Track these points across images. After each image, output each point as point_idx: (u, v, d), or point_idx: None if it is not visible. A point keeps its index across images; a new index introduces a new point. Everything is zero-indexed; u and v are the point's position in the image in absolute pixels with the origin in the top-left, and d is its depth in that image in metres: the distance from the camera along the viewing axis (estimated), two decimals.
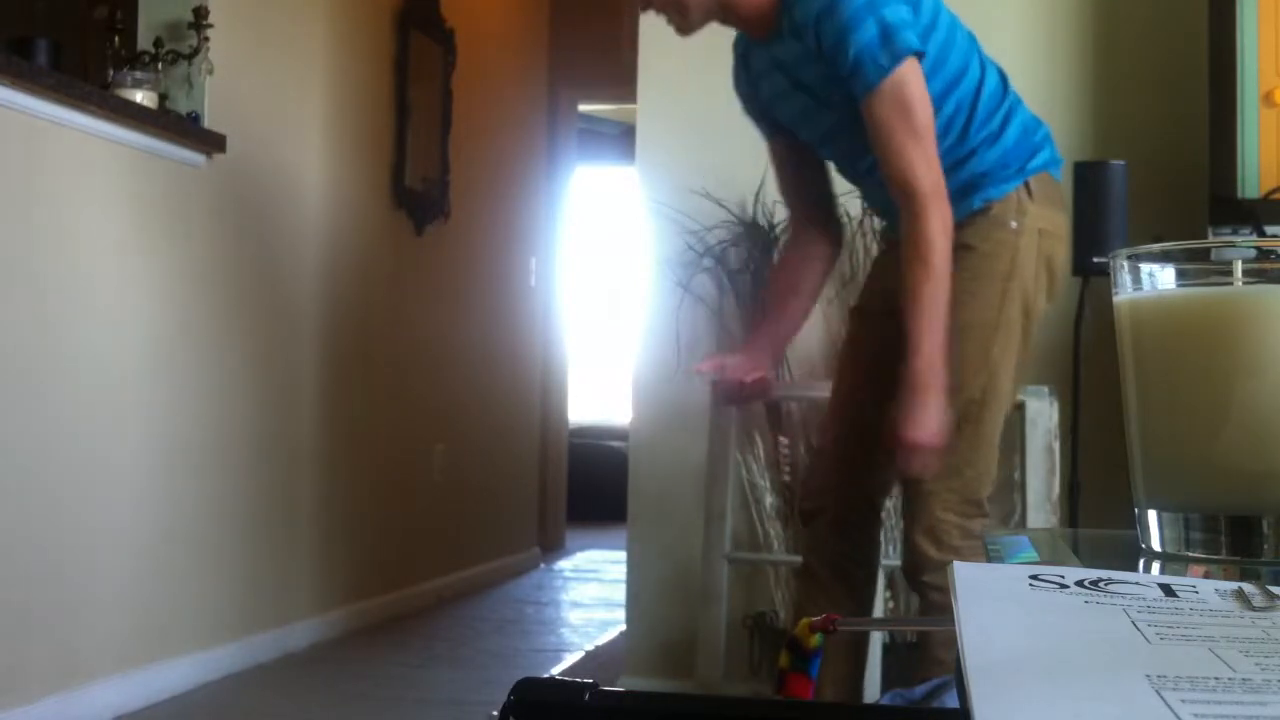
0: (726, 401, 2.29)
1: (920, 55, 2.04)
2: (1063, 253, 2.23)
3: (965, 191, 2.13)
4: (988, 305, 2.12)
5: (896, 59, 2.01)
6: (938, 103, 2.10)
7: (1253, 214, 2.70)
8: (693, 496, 3.16)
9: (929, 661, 2.16)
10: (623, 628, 3.57)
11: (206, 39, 3.42)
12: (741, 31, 2.27)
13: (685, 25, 2.22)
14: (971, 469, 2.12)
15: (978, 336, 2.11)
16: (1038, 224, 2.14)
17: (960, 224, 2.13)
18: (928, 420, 2.02)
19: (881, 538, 2.39)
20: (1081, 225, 2.69)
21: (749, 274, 3.22)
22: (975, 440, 2.11)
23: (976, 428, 2.11)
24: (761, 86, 2.27)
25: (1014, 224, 2.12)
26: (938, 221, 2.03)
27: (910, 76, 2.03)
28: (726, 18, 2.21)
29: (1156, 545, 0.62)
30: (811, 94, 2.17)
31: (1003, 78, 2.19)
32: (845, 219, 2.65)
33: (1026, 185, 2.14)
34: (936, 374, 2.02)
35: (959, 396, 2.10)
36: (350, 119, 4.35)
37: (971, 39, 2.18)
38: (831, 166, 2.39)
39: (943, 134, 2.12)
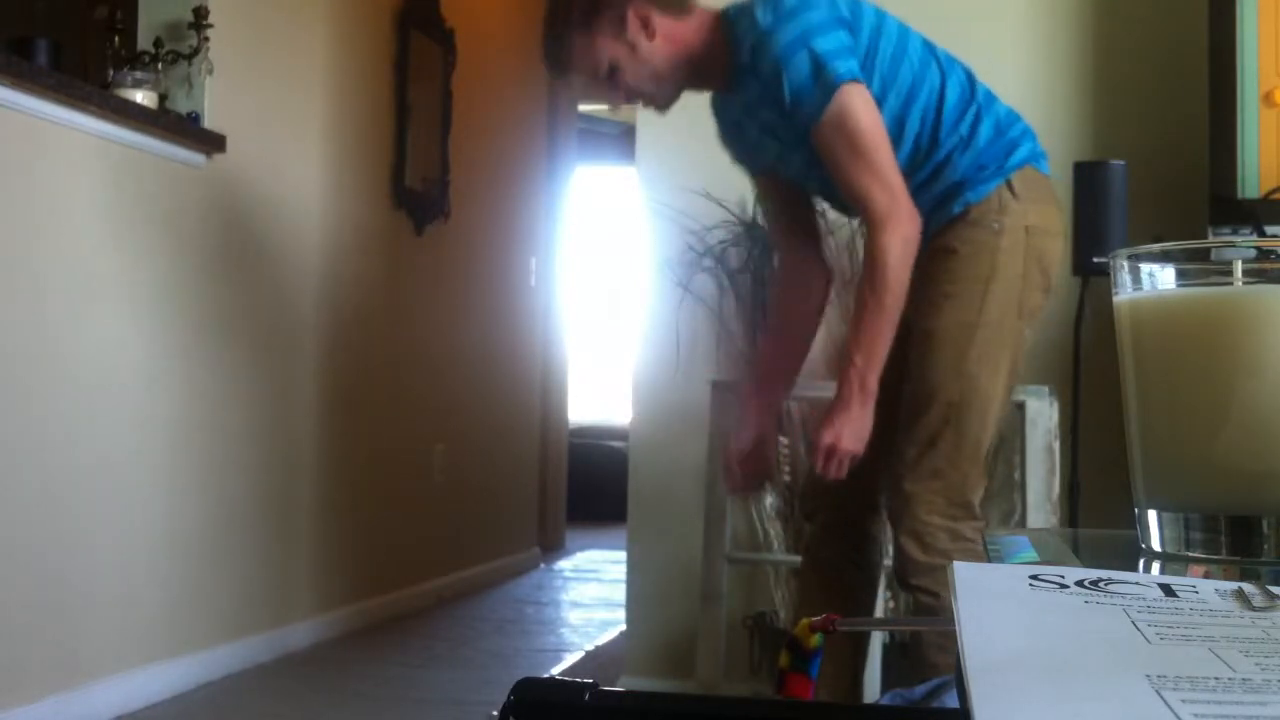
0: (732, 491, 2.35)
1: (855, 81, 2.04)
2: (1056, 247, 2.21)
3: (945, 199, 2.14)
4: (967, 307, 2.11)
5: (829, 90, 2.02)
6: (900, 117, 2.11)
7: (1253, 214, 2.70)
8: (693, 496, 3.15)
9: (923, 665, 2.15)
10: (623, 628, 3.57)
11: (206, 39, 3.42)
12: (706, 90, 2.28)
13: (660, 108, 2.26)
14: (955, 471, 2.11)
15: (955, 339, 2.11)
16: (1024, 221, 2.13)
17: (942, 228, 2.14)
18: (842, 427, 2.09)
19: (881, 538, 2.39)
20: (1081, 225, 2.69)
21: (749, 274, 3.22)
22: (957, 443, 2.11)
23: (957, 430, 2.11)
24: (738, 136, 2.29)
25: (995, 225, 2.12)
26: (894, 240, 2.04)
27: (851, 102, 2.03)
28: (691, 82, 2.23)
29: (1156, 545, 0.62)
30: (775, 135, 2.18)
31: (969, 78, 2.18)
32: (834, 249, 2.68)
33: (1008, 184, 2.12)
34: (864, 388, 2.08)
35: (937, 400, 2.11)
36: (350, 119, 4.35)
37: (927, 46, 2.17)
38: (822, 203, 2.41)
39: (913, 148, 2.12)
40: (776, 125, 2.15)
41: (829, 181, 2.23)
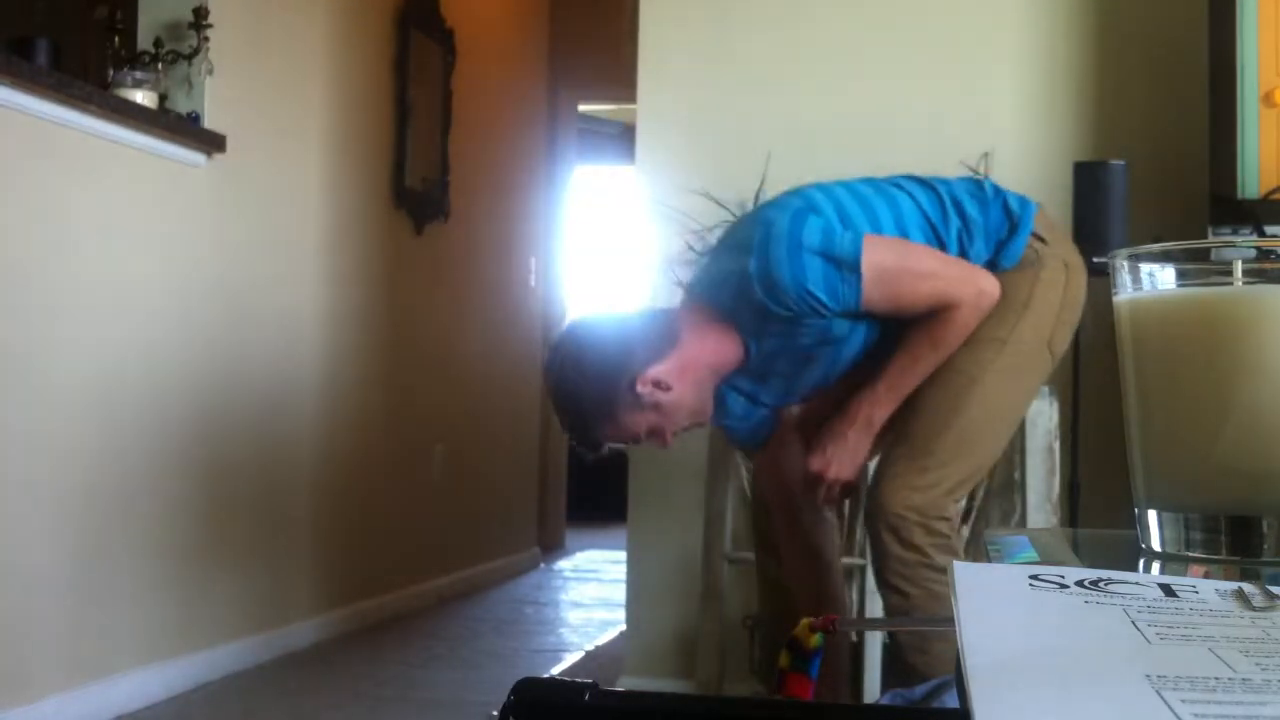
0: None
1: (862, 236, 2.04)
2: (1085, 285, 2.23)
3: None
4: (999, 324, 2.12)
5: (857, 265, 2.02)
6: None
7: (1253, 214, 2.70)
8: (693, 496, 3.15)
9: (903, 668, 2.15)
10: (623, 628, 3.57)
11: (206, 39, 3.42)
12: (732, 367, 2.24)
13: (707, 421, 2.26)
14: (939, 471, 2.11)
15: (981, 347, 2.11)
16: (1062, 257, 2.16)
17: None
18: (834, 455, 2.11)
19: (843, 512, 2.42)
20: (1081, 225, 2.69)
21: None
22: (952, 446, 2.11)
23: (957, 435, 2.12)
24: (764, 396, 2.28)
25: (1035, 263, 2.14)
26: (968, 311, 2.06)
27: (875, 256, 2.03)
28: (718, 381, 2.21)
29: (1156, 545, 0.62)
30: (827, 347, 2.16)
31: (917, 179, 2.19)
32: None
33: (1035, 235, 2.14)
34: (869, 421, 2.10)
35: (942, 403, 2.11)
36: (350, 119, 4.35)
37: (869, 181, 2.18)
38: None
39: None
40: (823, 337, 2.12)
41: (880, 347, 2.21)
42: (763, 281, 2.03)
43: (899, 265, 2.05)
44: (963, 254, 2.12)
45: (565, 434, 2.23)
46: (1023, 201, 2.17)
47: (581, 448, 2.23)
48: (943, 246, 2.12)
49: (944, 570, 1.98)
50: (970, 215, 2.13)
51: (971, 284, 2.05)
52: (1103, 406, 2.78)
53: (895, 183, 2.17)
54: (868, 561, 2.73)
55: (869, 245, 2.03)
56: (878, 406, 2.10)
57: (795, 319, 2.06)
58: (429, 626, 4.52)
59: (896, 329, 2.14)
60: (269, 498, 3.86)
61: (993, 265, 2.14)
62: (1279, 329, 0.59)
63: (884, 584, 2.14)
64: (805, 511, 2.33)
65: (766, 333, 2.11)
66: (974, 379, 2.11)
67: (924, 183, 2.18)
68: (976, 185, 2.19)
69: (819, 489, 2.14)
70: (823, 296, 2.02)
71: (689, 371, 2.14)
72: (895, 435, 2.16)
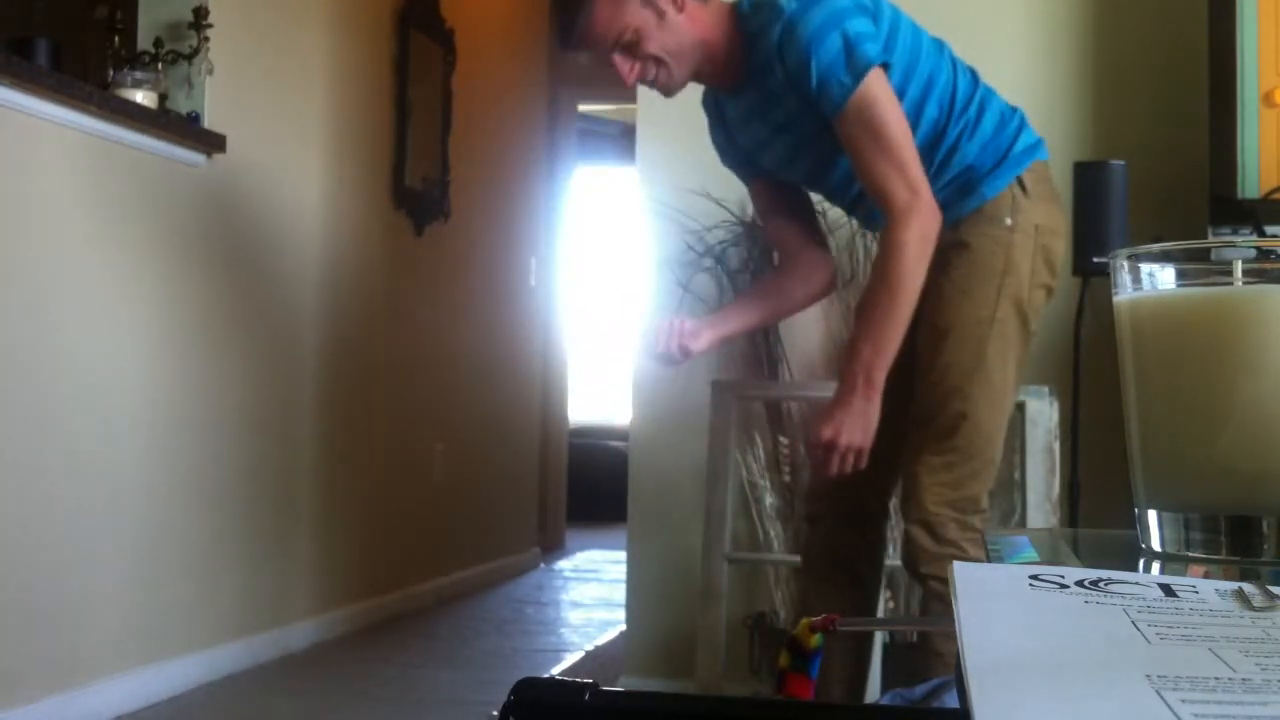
0: (651, 356, 2.32)
1: (885, 66, 2.05)
2: (1061, 247, 2.24)
3: (962, 191, 2.15)
4: (983, 303, 2.13)
5: (860, 75, 2.02)
6: (919, 105, 2.12)
7: (1253, 214, 2.70)
8: (693, 496, 3.15)
9: (929, 654, 2.17)
10: (623, 628, 3.57)
11: (206, 39, 3.42)
12: (711, 85, 2.27)
13: (669, 89, 2.23)
14: (966, 464, 2.13)
15: (972, 334, 2.13)
16: (1034, 220, 2.16)
17: (955, 223, 2.15)
18: (843, 420, 2.07)
19: (888, 538, 2.40)
20: (1081, 225, 2.70)
21: (749, 274, 3.22)
22: (971, 436, 2.13)
23: (972, 425, 2.13)
24: (740, 137, 2.28)
25: (1009, 221, 2.14)
26: (912, 233, 2.03)
27: (876, 91, 2.03)
28: (702, 70, 2.21)
29: (1156, 545, 0.62)
30: (789, 133, 2.17)
31: (974, 73, 2.21)
32: (835, 249, 2.68)
33: (1020, 182, 2.15)
34: (869, 382, 2.05)
35: (954, 395, 2.12)
36: (350, 119, 4.35)
37: (938, 43, 2.19)
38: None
39: (929, 132, 2.13)
40: (793, 121, 2.14)
41: (837, 183, 2.23)
42: (786, 25, 2.05)
43: (881, 120, 2.04)
44: (955, 146, 2.13)
45: (558, 19, 2.18)
46: (1031, 149, 2.18)
47: (562, 33, 2.18)
48: (945, 129, 2.13)
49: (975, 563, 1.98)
50: (985, 123, 2.14)
51: (916, 211, 2.02)
52: (1103, 406, 2.78)
53: (954, 58, 2.19)
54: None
55: (880, 82, 2.04)
56: (872, 366, 2.05)
57: (780, 75, 2.08)
58: (429, 626, 4.52)
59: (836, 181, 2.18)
60: (269, 497, 3.86)
61: (969, 181, 2.13)
62: (1279, 329, 0.59)
63: (918, 575, 2.16)
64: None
65: (762, 70, 2.12)
66: (973, 368, 2.13)
67: (974, 75, 2.20)
68: (1011, 111, 2.20)
69: (832, 457, 2.08)
70: (814, 73, 2.03)
71: (700, 25, 2.15)
72: (914, 437, 2.16)
